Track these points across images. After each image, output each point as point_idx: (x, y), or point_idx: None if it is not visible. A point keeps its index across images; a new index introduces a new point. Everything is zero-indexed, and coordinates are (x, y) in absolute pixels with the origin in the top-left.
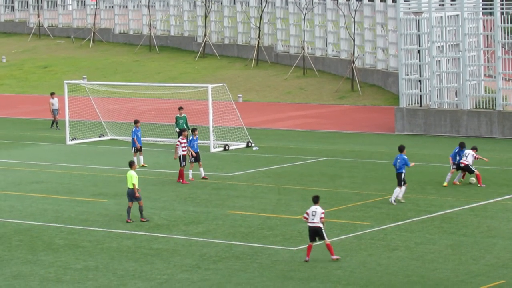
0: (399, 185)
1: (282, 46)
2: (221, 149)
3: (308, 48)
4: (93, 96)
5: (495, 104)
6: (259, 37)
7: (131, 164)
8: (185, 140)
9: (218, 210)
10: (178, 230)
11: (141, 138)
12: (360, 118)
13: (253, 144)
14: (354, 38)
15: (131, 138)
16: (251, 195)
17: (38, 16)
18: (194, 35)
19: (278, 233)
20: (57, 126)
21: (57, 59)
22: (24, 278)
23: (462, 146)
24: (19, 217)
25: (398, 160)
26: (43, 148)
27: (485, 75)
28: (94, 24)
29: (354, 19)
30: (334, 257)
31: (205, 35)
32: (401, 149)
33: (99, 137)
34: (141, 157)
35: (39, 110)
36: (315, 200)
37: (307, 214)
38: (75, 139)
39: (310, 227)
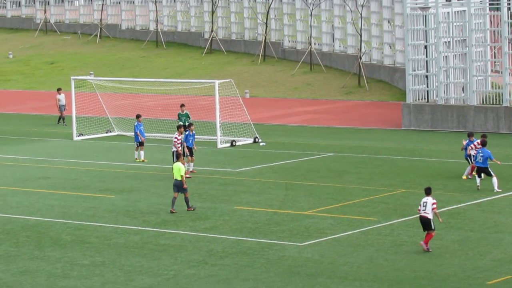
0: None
1: (289, 41)
2: (228, 144)
3: (315, 43)
4: (100, 92)
5: (502, 100)
6: (266, 32)
7: (178, 156)
8: (180, 136)
9: (225, 206)
10: (185, 225)
11: (146, 134)
12: (367, 113)
13: (260, 140)
14: (361, 33)
15: (133, 132)
16: (258, 190)
17: (45, 12)
18: (201, 31)
19: (285, 228)
20: (64, 122)
21: (64, 55)
22: (31, 273)
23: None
24: (26, 213)
25: (481, 154)
26: (50, 144)
27: (492, 70)
28: (101, 20)
29: (361, 14)
30: (426, 247)
31: (212, 30)
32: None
33: (106, 132)
34: (142, 152)
35: (46, 106)
36: (428, 191)
37: (420, 205)
38: (82, 134)
39: (421, 217)
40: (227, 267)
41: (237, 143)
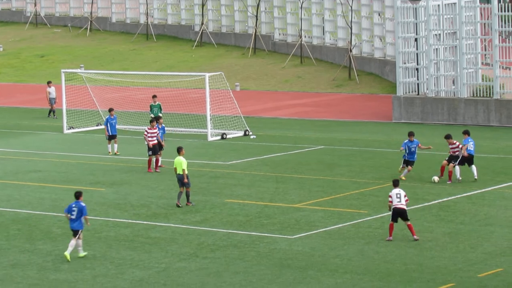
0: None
1: (280, 34)
2: (219, 137)
3: (305, 36)
4: (90, 85)
5: (493, 92)
6: (256, 25)
7: (179, 150)
8: (153, 130)
9: (216, 199)
10: (175, 218)
11: (137, 126)
12: (357, 106)
13: (250, 133)
14: (351, 26)
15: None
16: (248, 183)
17: (35, 5)
18: (191, 24)
19: (276, 221)
20: (54, 115)
21: (54, 48)
22: (22, 267)
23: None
24: (16, 206)
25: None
26: (41, 137)
27: (482, 63)
28: (91, 13)
29: (351, 7)
30: (416, 237)
31: (202, 23)
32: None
33: (96, 125)
34: (116, 145)
35: (36, 99)
36: (396, 183)
37: (391, 197)
38: (72, 128)
39: (397, 208)
40: (218, 260)
41: (228, 136)
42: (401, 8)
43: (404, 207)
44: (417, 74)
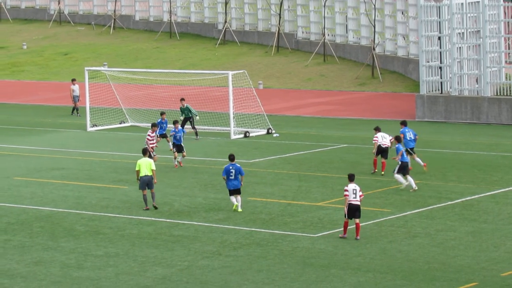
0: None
1: (303, 32)
2: (242, 135)
3: (328, 34)
4: (113, 82)
5: None
6: (279, 23)
7: (144, 151)
8: (153, 134)
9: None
10: (198, 216)
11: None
12: (380, 105)
13: (273, 131)
14: (374, 24)
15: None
16: (271, 181)
17: (59, 3)
18: (214, 22)
19: (299, 220)
20: (77, 113)
21: (78, 45)
22: (45, 264)
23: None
24: (40, 204)
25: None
26: (64, 134)
27: (506, 61)
28: (114, 11)
29: (374, 5)
30: (358, 237)
31: (225, 21)
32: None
33: (120, 123)
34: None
35: (60, 96)
36: (352, 178)
37: (347, 191)
38: (96, 125)
39: (352, 204)
40: (240, 258)
41: (251, 134)
42: (424, 6)
43: (359, 203)
44: (441, 73)
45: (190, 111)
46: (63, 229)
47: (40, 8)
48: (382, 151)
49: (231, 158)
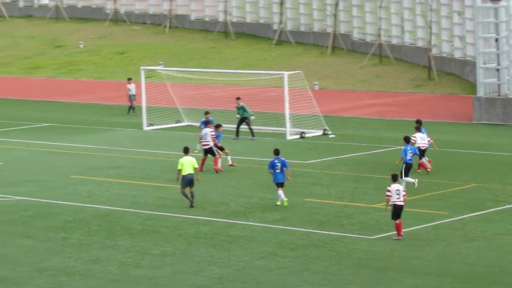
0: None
1: (358, 33)
2: (297, 136)
3: (384, 36)
4: (169, 82)
5: None
6: (335, 24)
7: (186, 150)
8: (214, 133)
9: (295, 198)
10: (255, 217)
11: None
12: (437, 106)
13: (329, 132)
14: (431, 26)
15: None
16: (328, 183)
17: (115, 2)
18: (270, 22)
19: (355, 221)
20: (134, 112)
21: (134, 45)
22: (102, 262)
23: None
24: (97, 202)
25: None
26: (120, 133)
27: None
28: (170, 11)
29: (431, 6)
30: (400, 237)
31: (281, 22)
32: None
33: (176, 123)
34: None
35: (116, 95)
36: (395, 178)
37: (389, 191)
38: (152, 124)
39: (397, 205)
40: (297, 259)
41: (306, 135)
42: (481, 8)
43: (403, 203)
44: (498, 75)
45: (245, 110)
46: (120, 227)
47: (96, 7)
48: (420, 152)
49: (276, 152)
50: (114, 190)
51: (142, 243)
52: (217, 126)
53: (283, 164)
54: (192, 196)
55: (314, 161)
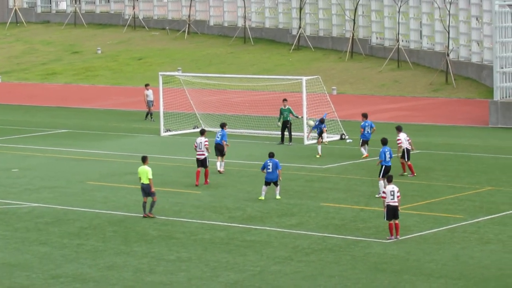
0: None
1: (377, 38)
2: (315, 141)
3: (402, 40)
4: (187, 87)
5: None
6: (353, 29)
7: (144, 159)
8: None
9: (311, 202)
10: (271, 222)
11: (234, 130)
12: (454, 111)
13: (347, 137)
14: (448, 30)
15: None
16: (344, 187)
17: (134, 8)
18: (288, 27)
19: (371, 225)
20: (151, 118)
21: (152, 50)
22: (118, 269)
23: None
24: (113, 208)
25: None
26: (138, 139)
27: None
28: (189, 16)
29: (449, 11)
30: (399, 236)
31: (299, 27)
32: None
33: (193, 128)
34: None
35: (133, 101)
36: (390, 179)
37: (384, 193)
38: (169, 130)
39: (390, 205)
40: (312, 263)
41: (324, 140)
42: (499, 12)
43: (397, 204)
44: None
45: (291, 112)
46: (136, 233)
47: (114, 13)
48: (407, 153)
49: (271, 155)
50: (131, 196)
51: (158, 249)
52: (222, 125)
53: (276, 165)
54: (151, 205)
55: (331, 165)
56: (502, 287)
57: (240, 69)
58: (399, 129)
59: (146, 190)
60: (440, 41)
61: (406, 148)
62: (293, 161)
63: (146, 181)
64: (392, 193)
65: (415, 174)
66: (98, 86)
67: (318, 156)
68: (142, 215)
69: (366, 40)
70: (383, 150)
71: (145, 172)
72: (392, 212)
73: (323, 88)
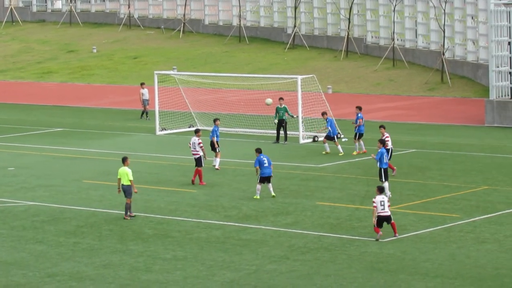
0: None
1: (372, 37)
2: (310, 140)
3: (398, 39)
4: (182, 86)
5: None
6: (349, 28)
7: (124, 160)
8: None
9: (307, 201)
10: (266, 221)
11: (229, 129)
12: (449, 110)
13: (342, 136)
14: (444, 29)
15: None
16: (340, 186)
17: (129, 7)
18: (283, 26)
19: (367, 224)
20: (147, 117)
21: (147, 49)
22: (113, 267)
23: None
24: (109, 207)
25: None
26: (133, 138)
27: None
28: (184, 15)
29: (444, 10)
30: (397, 235)
31: (294, 26)
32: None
33: (189, 127)
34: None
35: (129, 100)
36: (381, 190)
37: (375, 203)
38: (165, 129)
39: (381, 216)
40: (308, 262)
41: (319, 139)
42: (494, 11)
43: (389, 213)
44: (511, 78)
45: (286, 111)
46: (132, 232)
47: (110, 12)
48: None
49: (259, 150)
50: None
51: (154, 248)
52: (214, 121)
53: (269, 160)
54: (127, 208)
55: (326, 164)
56: (498, 286)
57: (235, 68)
58: (383, 127)
59: (125, 190)
60: (435, 40)
61: (391, 148)
62: (289, 160)
63: (127, 182)
64: (382, 203)
65: (396, 168)
66: (93, 85)
67: (324, 153)
68: (124, 217)
69: (361, 39)
70: (381, 151)
71: (126, 174)
72: (382, 222)
73: (319, 87)
